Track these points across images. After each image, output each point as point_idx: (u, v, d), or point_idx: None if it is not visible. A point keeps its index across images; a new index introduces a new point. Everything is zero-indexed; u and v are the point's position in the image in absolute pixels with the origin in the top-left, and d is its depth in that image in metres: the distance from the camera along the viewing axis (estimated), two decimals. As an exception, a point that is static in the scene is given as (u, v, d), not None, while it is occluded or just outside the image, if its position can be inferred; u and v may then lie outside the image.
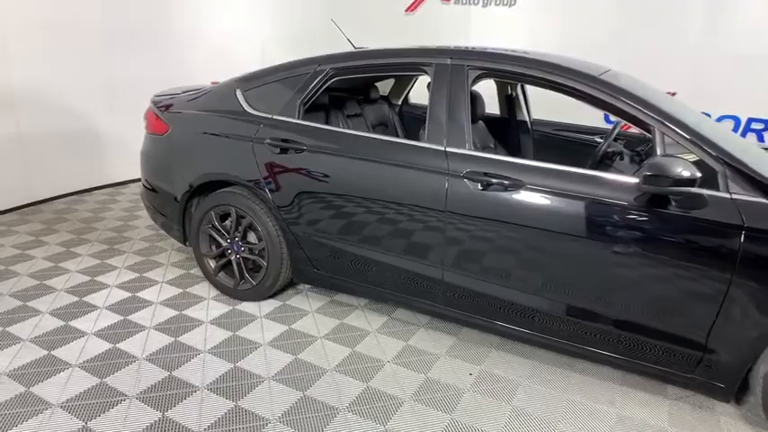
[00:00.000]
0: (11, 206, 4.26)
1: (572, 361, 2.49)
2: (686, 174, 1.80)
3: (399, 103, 3.90)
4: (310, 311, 2.89)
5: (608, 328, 2.14)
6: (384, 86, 3.86)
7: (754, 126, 5.38)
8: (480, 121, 3.24)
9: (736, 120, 5.48)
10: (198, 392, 2.19)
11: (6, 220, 4.07)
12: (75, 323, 2.67)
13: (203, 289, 3.08)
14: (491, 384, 2.32)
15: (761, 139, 5.37)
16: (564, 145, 3.48)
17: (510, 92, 3.46)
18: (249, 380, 2.28)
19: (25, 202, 4.37)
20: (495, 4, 6.53)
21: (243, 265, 2.90)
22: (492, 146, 3.31)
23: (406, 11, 6.78)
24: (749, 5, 5.22)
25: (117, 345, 2.50)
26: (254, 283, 2.87)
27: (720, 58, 5.32)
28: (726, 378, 1.98)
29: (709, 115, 5.30)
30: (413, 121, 3.77)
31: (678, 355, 2.03)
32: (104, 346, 2.49)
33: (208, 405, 2.11)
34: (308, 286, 3.14)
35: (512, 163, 2.21)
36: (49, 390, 2.16)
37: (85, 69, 4.54)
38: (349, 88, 3.48)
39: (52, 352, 2.42)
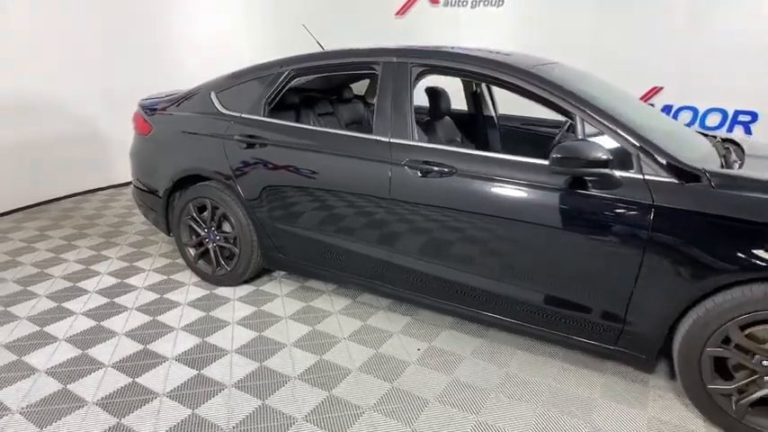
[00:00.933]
0: (20, 205, 4.60)
1: (520, 340, 2.65)
2: (591, 156, 1.96)
3: (374, 101, 4.09)
4: (280, 295, 3.11)
5: (536, 303, 2.30)
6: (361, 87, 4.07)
7: (741, 118, 5.41)
8: (447, 117, 3.42)
9: (724, 113, 5.52)
10: (166, 362, 2.42)
11: (16, 218, 4.41)
12: (67, 305, 2.94)
13: (185, 276, 3.33)
14: (436, 358, 2.50)
15: (748, 131, 5.41)
16: (530, 138, 3.62)
17: (475, 89, 3.63)
18: (215, 352, 2.51)
19: (34, 202, 4.71)
20: (484, 5, 6.67)
21: (219, 252, 3.14)
22: (458, 140, 3.49)
23: (397, 14, 6.98)
24: (732, 1, 5.25)
25: (101, 323, 2.76)
26: (229, 269, 3.11)
27: (705, 52, 5.37)
28: (645, 349, 2.12)
29: (679, 108, 5.40)
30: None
31: (601, 327, 2.18)
32: (91, 323, 2.75)
33: (174, 372, 2.34)
34: (282, 273, 3.36)
35: (447, 151, 2.39)
36: (37, 358, 2.42)
37: (88, 78, 4.86)
38: (323, 89, 3.69)
39: (44, 328, 2.69)
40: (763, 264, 1.81)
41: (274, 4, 6.72)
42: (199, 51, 5.62)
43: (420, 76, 2.53)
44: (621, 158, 2.06)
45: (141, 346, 2.55)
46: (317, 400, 2.18)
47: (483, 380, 2.34)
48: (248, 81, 3.00)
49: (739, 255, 1.85)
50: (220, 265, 3.15)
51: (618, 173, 2.04)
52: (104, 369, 2.36)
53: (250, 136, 2.85)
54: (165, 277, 3.32)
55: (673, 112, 5.89)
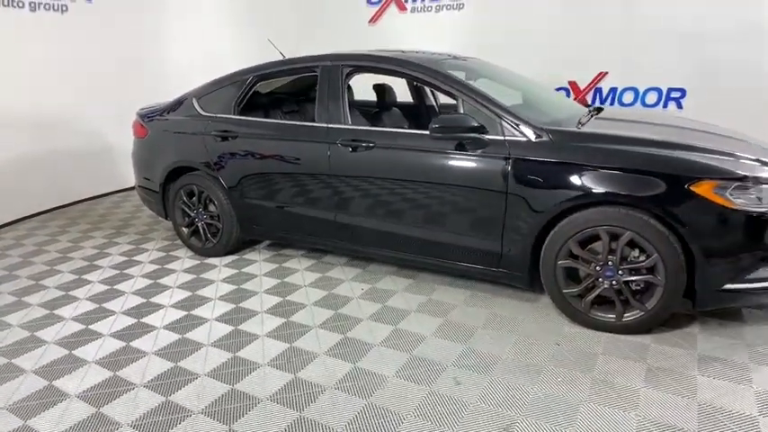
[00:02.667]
0: (43, 208, 5.38)
1: (440, 277, 3.33)
2: (463, 124, 2.65)
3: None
4: (258, 261, 3.81)
5: (444, 242, 2.97)
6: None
7: (673, 95, 6.03)
8: (395, 108, 4.12)
9: (659, 91, 6.13)
10: (163, 309, 3.14)
11: (41, 218, 5.18)
12: (86, 276, 3.68)
13: (182, 252, 4.06)
14: (373, 294, 3.19)
15: (679, 106, 6.02)
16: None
17: (415, 83, 4.32)
18: (200, 301, 3.22)
19: (55, 205, 5.48)
20: (447, 9, 7.37)
21: (206, 229, 3.86)
22: (405, 127, 4.18)
23: (370, 22, 7.70)
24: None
25: (114, 286, 3.49)
26: (215, 242, 3.83)
27: (640, 37, 6.00)
28: (519, 268, 2.79)
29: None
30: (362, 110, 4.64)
31: (487, 255, 2.85)
32: (105, 287, 3.48)
33: (171, 315, 3.06)
34: (264, 244, 4.07)
35: (367, 130, 3.10)
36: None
37: (102, 96, 5.63)
38: (293, 92, 4.39)
39: (69, 292, 3.42)
40: (583, 194, 2.48)
41: (259, 20, 7.44)
42: (194, 70, 6.39)
43: (349, 75, 3.23)
44: (490, 126, 2.74)
45: (145, 300, 3.27)
46: (280, 349, 2.86)
47: (407, 305, 3.03)
48: (221, 87, 3.73)
49: (568, 189, 2.52)
50: (208, 239, 3.87)
51: (487, 136, 2.72)
52: (116, 315, 3.09)
53: (223, 131, 3.57)
54: (165, 254, 4.05)
55: (618, 93, 6.51)
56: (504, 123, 2.72)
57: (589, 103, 6.65)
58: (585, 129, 2.74)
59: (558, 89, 6.90)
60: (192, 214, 3.89)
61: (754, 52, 5.31)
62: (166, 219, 4.14)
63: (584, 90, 6.68)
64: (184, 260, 3.91)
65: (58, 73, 5.27)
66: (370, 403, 2.19)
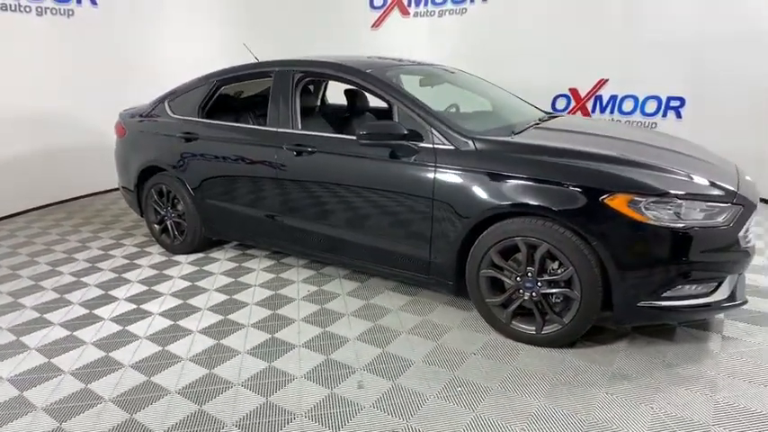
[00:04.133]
0: (46, 202, 5.69)
1: (390, 283, 3.36)
2: (388, 131, 2.68)
3: (318, 103, 4.88)
4: (221, 259, 3.93)
5: (375, 247, 3.00)
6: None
7: (673, 104, 5.85)
8: (368, 113, 4.17)
9: (659, 99, 5.96)
10: (117, 302, 3.29)
11: (44, 211, 5.49)
12: (59, 268, 3.88)
13: (155, 248, 4.22)
14: (316, 297, 3.24)
15: (678, 115, 5.82)
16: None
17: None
18: (153, 295, 3.35)
19: (58, 200, 5.79)
20: (450, 14, 7.37)
21: (174, 227, 4.01)
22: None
23: (373, 26, 7.78)
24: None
25: (81, 279, 3.67)
26: (181, 240, 3.97)
27: (641, 45, 5.86)
28: (447, 276, 2.78)
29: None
30: (329, 116, 4.71)
31: (417, 262, 2.86)
32: (72, 279, 3.66)
33: (122, 307, 3.20)
34: (232, 244, 4.19)
35: (309, 135, 3.16)
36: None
37: (105, 96, 5.90)
38: (264, 95, 4.49)
39: (39, 282, 3.63)
40: (501, 204, 2.47)
41: (260, 23, 7.61)
42: (195, 71, 6.60)
43: (299, 80, 3.31)
44: (423, 133, 2.75)
45: (103, 292, 3.43)
46: (207, 344, 2.97)
47: (344, 308, 3.07)
48: (189, 91, 3.87)
49: (488, 199, 2.51)
50: (176, 237, 4.02)
51: (420, 144, 2.74)
52: (71, 306, 3.25)
53: (186, 133, 3.71)
54: (139, 249, 4.23)
55: (618, 101, 6.37)
56: (433, 131, 2.73)
57: (589, 110, 6.53)
58: (514, 138, 2.72)
59: (559, 96, 6.82)
60: (162, 213, 4.05)
61: (753, 61, 5.09)
62: (142, 216, 4.32)
63: (584, 97, 6.56)
64: (154, 256, 4.07)
65: (63, 74, 5.57)
66: (268, 401, 2.24)
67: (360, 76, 3.05)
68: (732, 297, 2.42)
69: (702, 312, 2.45)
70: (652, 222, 2.23)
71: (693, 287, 2.34)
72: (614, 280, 2.30)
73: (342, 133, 3.28)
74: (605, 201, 2.27)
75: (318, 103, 4.68)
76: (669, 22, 5.66)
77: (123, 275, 3.71)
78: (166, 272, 3.74)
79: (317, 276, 3.55)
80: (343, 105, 4.31)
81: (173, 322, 2.99)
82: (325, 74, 3.26)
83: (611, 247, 2.27)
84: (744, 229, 2.34)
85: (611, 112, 6.37)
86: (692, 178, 2.39)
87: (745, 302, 2.47)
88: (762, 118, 5.06)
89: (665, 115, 5.94)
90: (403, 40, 7.72)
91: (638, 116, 6.15)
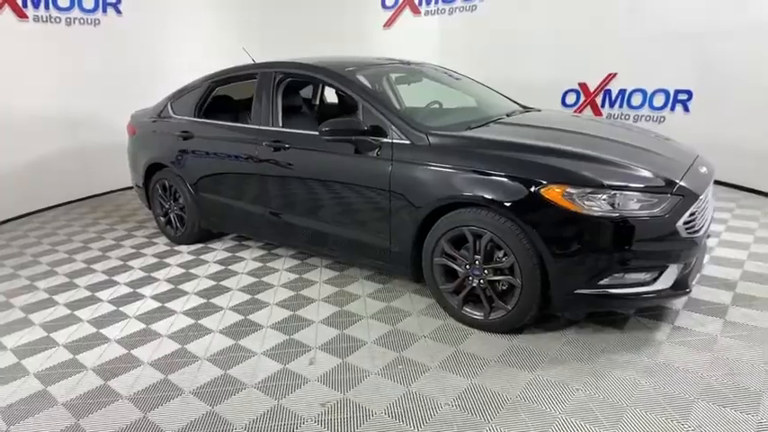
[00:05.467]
0: (75, 198, 6.18)
1: (365, 272, 3.53)
2: (348, 127, 2.85)
3: (317, 102, 5.10)
4: (218, 249, 4.22)
5: (344, 237, 3.19)
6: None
7: (680, 97, 5.74)
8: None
9: (667, 93, 5.87)
10: (116, 287, 3.61)
11: (72, 205, 5.97)
12: (74, 256, 4.26)
13: (160, 239, 4.56)
14: (295, 284, 3.46)
15: (686, 108, 5.70)
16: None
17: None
18: (150, 281, 3.66)
19: (83, 196, 6.28)
20: (460, 11, 7.45)
21: (177, 219, 4.32)
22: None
23: (384, 26, 7.95)
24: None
25: (90, 265, 4.03)
26: (183, 231, 4.28)
27: (649, 38, 5.79)
28: (404, 263, 2.93)
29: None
30: (322, 114, 4.92)
31: (379, 251, 3.02)
32: (82, 266, 4.03)
33: (120, 290, 3.52)
34: (232, 235, 4.47)
35: (283, 131, 3.37)
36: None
37: (130, 99, 6.31)
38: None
39: (54, 268, 4.01)
40: (446, 196, 2.60)
41: (273, 24, 7.89)
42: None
43: (281, 81, 3.52)
44: (382, 129, 2.91)
45: (107, 278, 3.77)
46: (185, 323, 3.24)
47: (316, 294, 3.27)
48: (189, 92, 4.17)
49: (436, 191, 2.65)
50: (178, 229, 4.33)
51: (382, 139, 2.90)
52: (77, 289, 3.60)
53: (183, 131, 4.00)
54: (147, 240, 4.58)
55: (627, 95, 6.31)
56: (392, 127, 2.88)
57: (597, 107, 6.49)
58: (466, 133, 2.83)
59: (569, 91, 6.79)
60: (166, 206, 4.37)
61: (761, 54, 4.94)
62: (149, 209, 4.67)
63: (593, 92, 6.53)
64: (159, 246, 4.40)
65: (89, 78, 6.03)
66: (225, 374, 2.47)
67: (329, 76, 3.25)
68: (677, 286, 2.46)
69: (643, 301, 2.50)
70: (586, 212, 2.31)
71: (634, 276, 2.40)
72: (550, 268, 2.39)
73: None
74: (541, 191, 2.37)
75: (317, 102, 4.90)
76: (676, 13, 5.57)
77: (128, 262, 4.04)
78: (166, 260, 4.05)
79: (301, 266, 3.76)
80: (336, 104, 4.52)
81: (160, 304, 3.28)
82: (300, 74, 3.47)
83: (547, 236, 2.37)
84: (683, 219, 2.38)
85: (620, 106, 6.30)
86: (631, 170, 2.45)
87: (688, 291, 2.51)
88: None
89: (672, 109, 5.83)
90: (414, 39, 7.84)
91: (646, 110, 6.06)
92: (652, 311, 2.79)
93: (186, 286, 3.53)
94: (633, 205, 2.34)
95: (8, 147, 5.46)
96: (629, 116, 6.21)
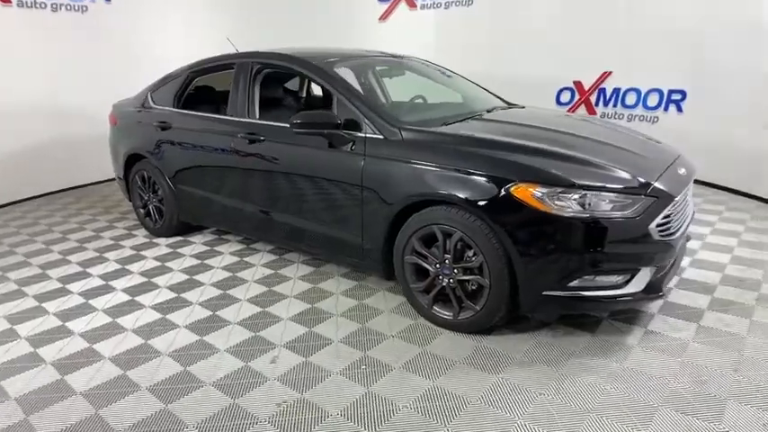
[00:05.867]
0: (60, 188, 6.12)
1: (343, 269, 3.48)
2: (319, 120, 2.79)
3: (303, 94, 5.03)
4: (198, 242, 4.16)
5: (317, 232, 3.13)
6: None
7: (674, 97, 5.66)
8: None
9: (661, 92, 5.78)
10: (89, 278, 3.56)
11: (56, 195, 5.92)
12: (52, 247, 4.21)
13: (140, 231, 4.51)
14: (269, 279, 3.40)
15: (680, 108, 5.62)
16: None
17: (363, 80, 4.42)
18: (124, 273, 3.61)
19: (69, 186, 6.23)
20: (456, 6, 7.36)
21: (156, 211, 4.26)
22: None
23: (380, 19, 7.86)
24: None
25: (66, 257, 3.98)
26: (162, 223, 4.22)
27: (644, 36, 5.71)
28: (377, 261, 2.87)
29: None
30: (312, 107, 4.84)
31: (353, 247, 2.96)
32: (58, 257, 3.98)
33: (92, 282, 3.47)
34: (213, 228, 4.41)
35: (258, 124, 3.30)
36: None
37: (114, 90, 6.26)
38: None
39: (28, 259, 3.96)
40: (421, 192, 2.53)
41: (268, 15, 7.81)
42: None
43: (258, 72, 3.45)
44: (356, 123, 2.84)
45: (81, 269, 3.71)
46: (152, 317, 3.19)
47: (290, 291, 3.21)
48: (169, 82, 4.10)
49: (407, 187, 2.58)
50: (157, 221, 4.27)
51: (356, 133, 2.83)
52: (49, 281, 3.55)
53: (162, 122, 3.94)
54: (127, 232, 4.52)
55: (621, 94, 6.23)
56: (366, 121, 2.82)
57: (592, 103, 6.42)
58: (439, 129, 2.76)
59: (564, 89, 6.71)
60: (145, 198, 4.31)
61: (756, 55, 4.85)
62: (129, 201, 4.61)
63: (588, 90, 6.44)
64: (138, 238, 4.34)
65: (76, 67, 5.96)
66: (184, 371, 2.42)
67: (304, 67, 3.18)
68: (649, 289, 2.40)
69: (615, 304, 2.44)
70: (556, 212, 2.24)
71: (604, 278, 2.34)
72: (519, 269, 2.33)
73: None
74: (510, 190, 2.30)
75: (303, 95, 4.83)
76: (671, 11, 5.48)
77: (104, 254, 3.99)
78: (143, 252, 3.99)
79: (278, 261, 3.70)
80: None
81: (130, 298, 3.23)
82: (276, 65, 3.40)
83: (516, 236, 2.31)
84: (656, 222, 2.31)
85: (615, 105, 6.22)
86: (604, 170, 2.38)
87: (661, 295, 2.45)
88: (763, 111, 4.82)
89: (666, 109, 5.75)
90: (410, 33, 7.75)
91: (640, 110, 5.99)
92: (626, 315, 2.73)
93: (159, 280, 3.48)
94: (605, 206, 2.28)
95: (-9, 135, 5.42)
96: (622, 116, 6.13)
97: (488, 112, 3.27)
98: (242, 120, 3.40)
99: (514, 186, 2.30)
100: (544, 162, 2.37)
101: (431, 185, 2.52)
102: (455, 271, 2.54)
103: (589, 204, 2.26)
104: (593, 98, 6.44)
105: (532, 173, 2.32)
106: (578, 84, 6.52)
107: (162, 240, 4.24)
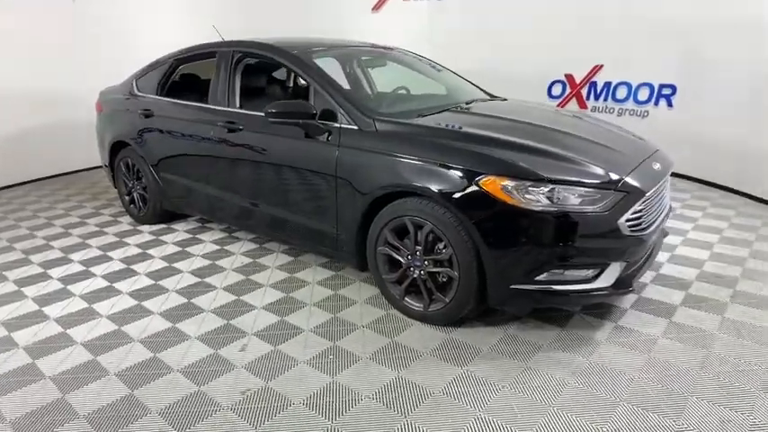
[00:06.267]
0: (50, 174, 6.13)
1: (321, 259, 3.48)
2: (294, 110, 2.78)
3: (291, 84, 5.00)
4: (181, 230, 4.16)
5: (293, 222, 3.13)
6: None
7: (664, 91, 5.63)
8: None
9: (651, 87, 5.75)
10: (68, 264, 3.57)
11: (46, 181, 5.92)
12: (36, 233, 4.22)
13: (125, 218, 4.51)
14: (248, 268, 3.41)
15: (670, 103, 5.59)
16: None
17: (348, 70, 4.40)
18: (104, 260, 3.62)
19: (60, 172, 6.23)
20: (449, -5, 7.28)
21: (140, 198, 4.26)
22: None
23: (373, 10, 7.80)
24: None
25: (49, 242, 3.99)
26: (146, 210, 4.23)
27: (635, 30, 5.67)
28: (353, 251, 2.87)
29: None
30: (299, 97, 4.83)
31: (328, 237, 2.96)
32: (41, 242, 3.99)
33: (72, 268, 3.48)
34: (197, 216, 4.42)
35: (236, 112, 3.30)
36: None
37: (105, 79, 6.25)
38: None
39: (13, 244, 3.97)
40: (393, 183, 2.53)
41: (253, 6, 7.74)
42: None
43: (239, 61, 3.43)
44: (333, 114, 2.83)
45: (63, 255, 3.73)
46: (128, 304, 3.20)
47: (266, 280, 3.22)
48: (154, 70, 4.08)
49: (382, 178, 2.58)
50: (141, 208, 4.28)
51: (331, 124, 2.82)
52: (30, 265, 3.56)
53: (145, 110, 3.93)
54: (112, 218, 4.53)
55: (612, 88, 6.20)
56: (341, 111, 2.80)
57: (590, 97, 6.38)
58: (414, 121, 2.75)
59: (555, 82, 6.68)
60: (130, 185, 4.31)
61: (748, 49, 4.80)
62: (115, 188, 4.61)
63: (579, 84, 6.41)
64: (122, 225, 4.35)
65: (66, 53, 5.95)
66: (154, 357, 2.43)
67: (281, 56, 3.16)
68: (619, 284, 2.40)
69: (584, 298, 2.44)
70: (524, 206, 2.24)
71: (573, 273, 2.34)
72: (487, 261, 2.33)
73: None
74: (479, 182, 2.29)
75: (291, 84, 4.80)
76: (662, 3, 5.43)
77: (87, 241, 4.00)
78: (126, 239, 4.00)
79: (258, 250, 3.71)
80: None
81: (108, 284, 3.24)
82: (256, 54, 3.37)
83: (484, 228, 2.30)
84: (626, 217, 2.31)
85: (605, 99, 6.19)
86: (575, 164, 2.37)
87: (631, 290, 2.45)
88: (754, 107, 4.79)
89: (656, 103, 5.72)
90: (403, 24, 7.70)
91: (630, 104, 5.95)
92: (598, 309, 2.74)
93: (139, 267, 3.49)
94: (574, 200, 2.27)
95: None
96: (613, 110, 6.10)
97: (467, 104, 3.25)
98: (221, 108, 3.39)
99: (483, 179, 2.29)
100: (514, 155, 2.36)
101: (403, 177, 2.51)
102: (426, 263, 2.54)
103: (558, 198, 2.25)
104: (584, 92, 6.41)
105: (501, 166, 2.31)
106: (570, 77, 6.48)
107: (146, 228, 4.25)
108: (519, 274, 2.32)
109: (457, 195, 2.34)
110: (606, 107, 6.16)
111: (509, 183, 2.26)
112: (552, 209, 2.24)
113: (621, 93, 6.03)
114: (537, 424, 1.94)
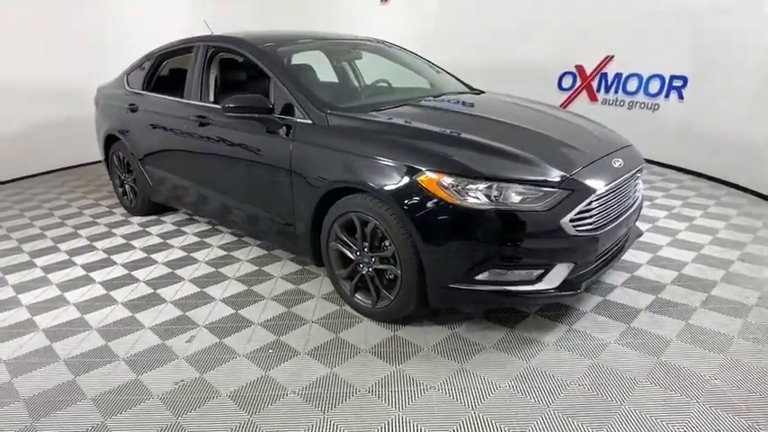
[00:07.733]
0: (61, 166, 6.39)
1: (286, 253, 3.51)
2: (251, 104, 2.79)
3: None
4: (168, 222, 4.27)
5: (254, 215, 3.16)
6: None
7: (675, 83, 5.37)
8: None
9: (662, 78, 5.49)
10: (55, 253, 3.72)
11: (57, 173, 6.18)
12: (36, 222, 4.42)
13: (119, 209, 4.66)
14: (221, 260, 3.47)
15: (681, 96, 5.32)
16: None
17: (335, 63, 4.39)
18: (90, 249, 3.75)
19: (70, 165, 6.48)
20: (459, -14, 7.16)
21: (131, 190, 4.40)
22: None
23: (381, 2, 7.73)
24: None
25: (44, 232, 4.17)
26: (136, 202, 4.36)
27: (647, 20, 5.44)
28: (306, 246, 2.87)
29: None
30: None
31: (287, 234, 2.97)
32: (36, 231, 4.18)
33: (56, 257, 3.63)
34: (188, 210, 4.52)
35: (204, 106, 3.34)
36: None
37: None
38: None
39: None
40: (339, 179, 2.51)
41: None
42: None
43: (213, 55, 3.47)
44: (292, 108, 2.83)
45: (53, 244, 3.89)
46: (96, 293, 3.30)
47: (234, 273, 3.26)
48: (140, 66, 4.18)
49: (330, 174, 2.56)
50: (132, 200, 4.41)
51: (288, 118, 2.82)
52: (20, 254, 3.73)
53: (131, 104, 4.04)
54: (108, 210, 4.69)
55: (623, 80, 5.98)
56: (297, 106, 2.80)
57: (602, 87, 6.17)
58: (366, 116, 2.70)
59: (566, 74, 6.48)
60: (122, 177, 4.45)
61: (762, 40, 4.50)
62: (111, 180, 4.77)
63: (590, 75, 6.19)
64: (116, 216, 4.50)
65: (81, 47, 6.17)
66: (104, 346, 2.51)
67: (247, 50, 3.17)
68: (565, 286, 2.31)
69: (528, 300, 2.37)
70: (460, 203, 2.18)
71: (515, 273, 2.27)
72: (425, 259, 2.29)
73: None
74: (417, 179, 2.25)
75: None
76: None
77: (78, 231, 4.16)
78: (114, 230, 4.14)
79: (236, 243, 3.76)
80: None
81: (85, 273, 3.36)
82: (226, 48, 3.39)
83: (422, 225, 2.25)
84: (570, 216, 2.21)
85: (616, 91, 5.97)
86: (520, 160, 2.29)
87: (578, 292, 2.35)
88: (765, 100, 4.50)
89: (667, 96, 5.46)
90: (410, 16, 7.62)
91: (641, 96, 5.71)
92: (554, 311, 2.65)
93: (118, 257, 3.60)
94: (514, 198, 2.20)
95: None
96: (623, 102, 5.87)
97: (435, 97, 3.19)
98: (194, 103, 3.44)
99: (421, 175, 2.24)
100: (455, 151, 2.30)
101: (349, 172, 2.49)
102: (373, 260, 2.51)
103: (496, 196, 2.18)
104: (594, 84, 6.18)
105: (440, 162, 2.25)
106: (580, 68, 6.27)
107: (136, 219, 4.38)
108: (457, 273, 2.26)
109: (397, 192, 2.30)
110: (617, 100, 5.93)
111: (446, 179, 2.21)
112: (490, 207, 2.17)
113: (632, 85, 5.78)
114: (454, 426, 1.90)
